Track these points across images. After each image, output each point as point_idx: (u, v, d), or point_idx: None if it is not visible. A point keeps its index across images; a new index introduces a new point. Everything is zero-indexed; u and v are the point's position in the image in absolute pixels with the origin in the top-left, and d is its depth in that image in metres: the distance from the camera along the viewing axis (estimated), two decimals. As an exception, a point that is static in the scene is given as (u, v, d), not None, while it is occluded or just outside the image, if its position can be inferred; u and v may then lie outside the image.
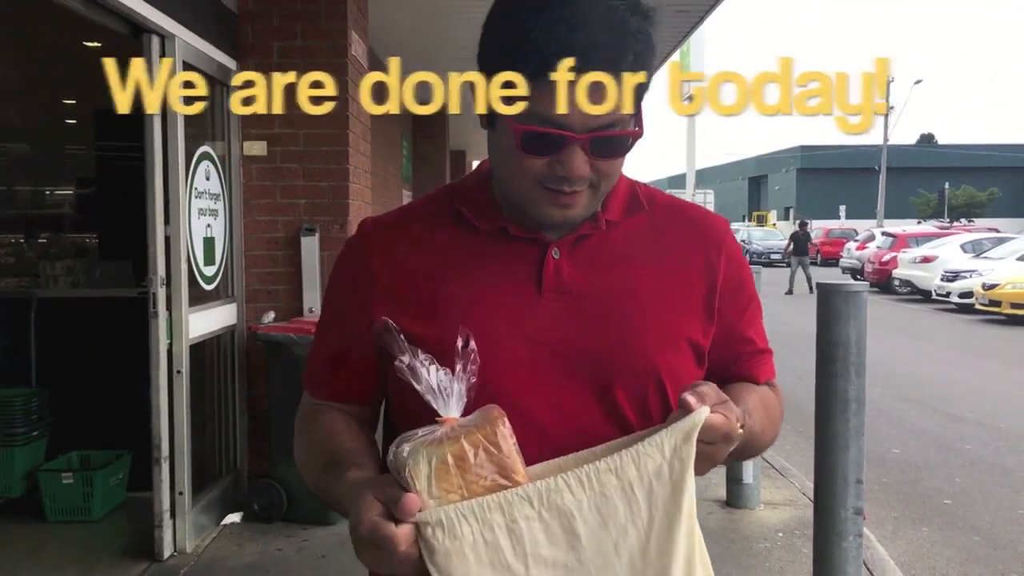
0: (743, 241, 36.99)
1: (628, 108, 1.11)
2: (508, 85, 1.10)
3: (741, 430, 1.09)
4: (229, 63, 4.96)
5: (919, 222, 46.32)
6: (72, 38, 6.63)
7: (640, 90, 1.14)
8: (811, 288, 21.41)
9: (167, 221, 4.25)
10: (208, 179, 4.70)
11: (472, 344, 1.07)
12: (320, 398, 1.32)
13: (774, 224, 51.67)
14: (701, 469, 1.05)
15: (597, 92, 1.08)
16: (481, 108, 1.18)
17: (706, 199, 38.20)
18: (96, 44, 6.85)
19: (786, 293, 22.07)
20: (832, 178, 61.62)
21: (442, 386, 1.04)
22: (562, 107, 1.08)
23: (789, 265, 23.51)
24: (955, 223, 44.82)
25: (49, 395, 5.18)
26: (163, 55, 4.15)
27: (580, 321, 1.20)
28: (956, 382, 10.12)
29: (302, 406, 1.36)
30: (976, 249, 21.05)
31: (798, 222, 24.54)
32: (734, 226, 40.63)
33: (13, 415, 4.92)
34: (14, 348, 5.30)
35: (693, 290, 1.27)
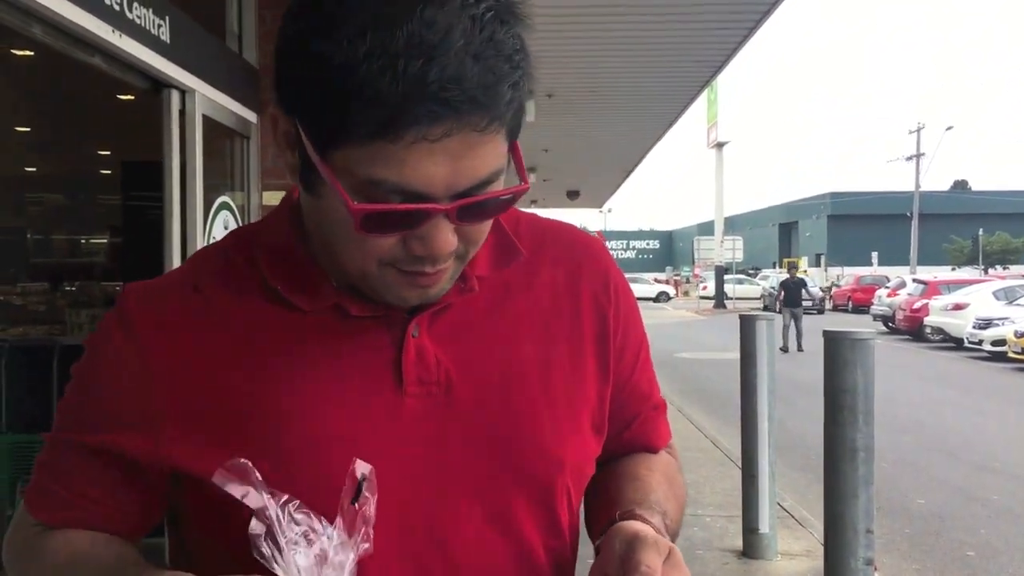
0: (772, 289, 36.74)
1: (502, 159, 0.84)
2: (331, 142, 0.79)
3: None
4: (250, 116, 5.10)
5: (953, 269, 45.82)
6: (106, 91, 6.83)
7: (515, 129, 0.84)
8: (799, 345, 18.49)
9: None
10: (226, 228, 4.81)
11: (366, 490, 0.80)
12: (46, 520, 0.96)
13: (805, 271, 51.27)
14: None
15: (467, 146, 0.78)
16: (288, 159, 0.87)
17: (735, 245, 38.15)
18: (129, 97, 7.07)
19: (780, 349, 18.58)
20: (864, 225, 61.31)
21: (329, 561, 0.77)
22: (422, 178, 0.78)
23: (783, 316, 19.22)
24: (990, 270, 44.27)
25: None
26: (183, 109, 4.28)
27: (457, 423, 0.92)
28: (985, 431, 9.94)
29: (17, 533, 0.99)
30: (1009, 296, 20.76)
31: (788, 265, 21.61)
32: (764, 272, 40.31)
33: (33, 460, 5.00)
34: (35, 395, 5.40)
35: (584, 345, 1.01)
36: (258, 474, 0.77)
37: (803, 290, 19.63)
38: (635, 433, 1.09)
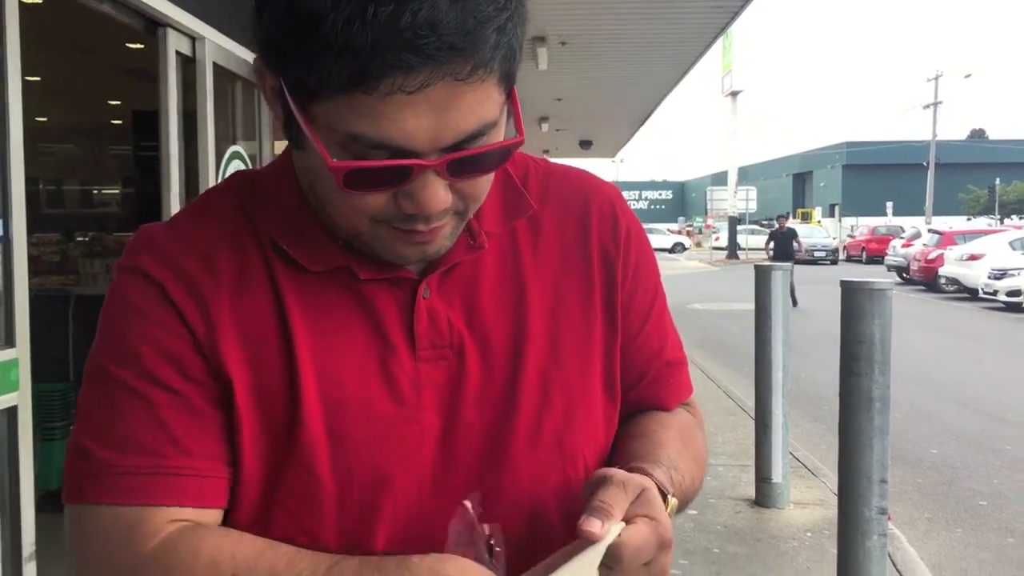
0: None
1: (495, 109, 0.79)
2: (311, 96, 0.75)
3: (674, 501, 0.89)
4: (261, 64, 5.05)
5: (968, 219, 45.47)
6: (117, 39, 6.76)
7: (509, 77, 0.79)
8: (793, 301, 16.39)
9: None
10: (239, 178, 4.79)
11: (500, 548, 0.80)
12: (179, 503, 0.82)
13: (819, 221, 51.02)
14: None
15: (450, 97, 0.74)
16: (277, 112, 0.84)
17: (748, 196, 37.90)
18: (139, 45, 7.00)
19: None
20: (879, 174, 60.71)
21: None
22: (402, 132, 0.74)
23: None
24: (1006, 220, 43.90)
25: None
26: (194, 57, 4.24)
27: (469, 386, 0.90)
28: (999, 382, 9.92)
29: (131, 540, 0.81)
30: (1025, 246, 20.61)
31: (777, 217, 19.03)
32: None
33: (52, 409, 5.05)
34: (53, 344, 5.44)
35: (593, 298, 0.97)
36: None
37: (794, 241, 17.59)
38: (643, 392, 1.04)
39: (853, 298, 3.60)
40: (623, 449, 0.98)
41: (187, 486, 0.82)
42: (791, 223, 22.17)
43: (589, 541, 0.76)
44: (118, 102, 9.77)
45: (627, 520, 0.78)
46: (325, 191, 0.83)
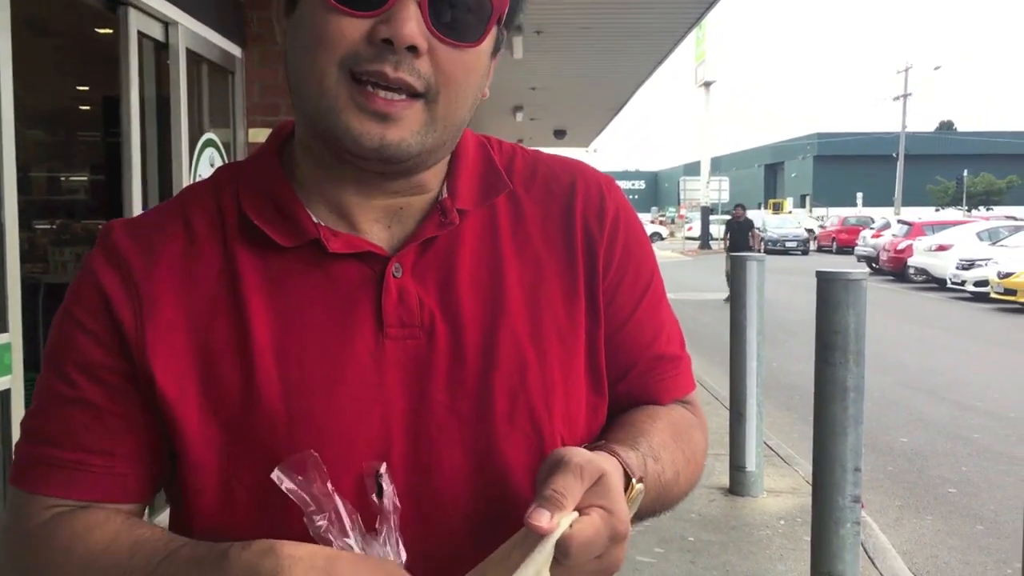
0: (758, 229, 36.78)
1: None
2: None
3: (640, 486, 0.84)
4: (234, 50, 4.99)
5: (937, 210, 46.02)
6: (87, 25, 6.66)
7: None
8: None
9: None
10: (212, 165, 4.73)
11: (387, 485, 0.79)
12: (61, 495, 0.86)
13: (790, 211, 51.42)
14: None
15: None
16: (280, 25, 0.90)
17: (721, 186, 38.09)
18: (108, 31, 6.90)
19: (725, 300, 14.49)
20: (849, 165, 61.35)
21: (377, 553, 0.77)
22: None
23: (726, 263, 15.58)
24: (973, 211, 44.50)
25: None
26: (167, 42, 4.18)
27: (440, 367, 0.87)
28: (967, 371, 10.06)
29: (19, 520, 0.87)
30: (992, 237, 20.89)
31: (734, 207, 17.78)
32: (751, 214, 40.42)
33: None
34: (23, 334, 5.37)
35: (577, 284, 0.94)
36: (323, 467, 0.77)
37: (749, 232, 16.55)
38: (632, 384, 0.99)
39: (828, 288, 3.63)
40: (605, 438, 0.93)
41: (77, 479, 0.86)
42: (760, 212, 21.64)
43: (536, 542, 0.71)
44: (86, 88, 9.64)
45: (580, 509, 0.74)
46: (306, 48, 0.84)
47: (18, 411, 2.89)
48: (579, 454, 0.77)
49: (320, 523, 0.76)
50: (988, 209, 48.11)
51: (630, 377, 0.99)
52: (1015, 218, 29.79)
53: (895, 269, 22.92)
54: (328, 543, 0.75)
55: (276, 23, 0.91)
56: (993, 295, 16.80)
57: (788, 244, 35.17)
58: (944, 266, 19.91)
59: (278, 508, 0.82)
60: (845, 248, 34.22)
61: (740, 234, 16.61)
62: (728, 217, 17.49)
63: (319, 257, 0.88)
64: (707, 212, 38.44)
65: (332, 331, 0.87)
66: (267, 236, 0.88)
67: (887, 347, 10.80)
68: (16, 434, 2.87)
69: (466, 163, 0.95)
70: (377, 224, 0.91)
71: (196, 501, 0.87)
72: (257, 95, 5.13)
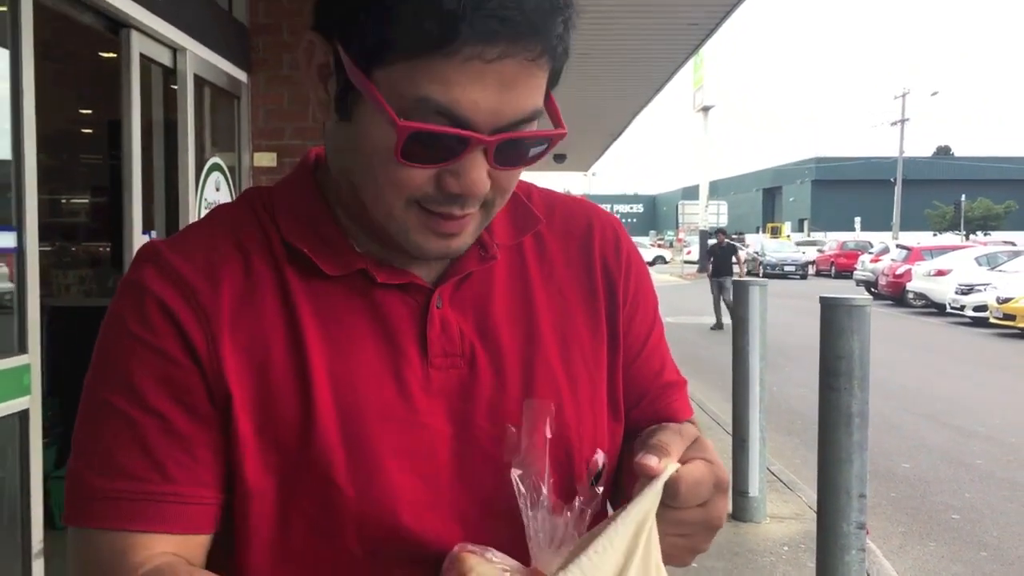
0: (757, 253, 36.89)
1: (541, 101, 0.82)
2: (379, 57, 0.78)
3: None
4: (240, 75, 5.02)
5: (934, 234, 46.14)
6: (92, 49, 6.71)
7: (556, 74, 0.84)
8: (719, 324, 15.67)
9: (174, 231, 4.29)
10: (218, 189, 4.76)
11: (601, 478, 0.84)
12: (161, 530, 0.82)
13: (788, 236, 51.57)
14: (703, 542, 0.84)
15: (517, 74, 0.77)
16: (318, 95, 0.85)
17: (720, 210, 38.21)
18: (112, 55, 6.95)
19: (712, 328, 16.14)
20: (847, 190, 61.55)
21: (555, 530, 0.81)
22: (470, 102, 0.76)
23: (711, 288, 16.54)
24: (971, 236, 44.62)
25: (59, 404, 5.22)
26: (175, 68, 4.21)
27: (481, 394, 0.90)
28: (968, 396, 10.06)
29: (122, 564, 0.82)
30: (991, 262, 20.94)
31: (716, 232, 17.59)
32: (749, 238, 40.58)
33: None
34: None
35: (599, 316, 0.99)
36: (551, 425, 0.83)
37: (733, 257, 16.35)
38: (645, 410, 1.03)
39: (832, 314, 3.64)
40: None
41: (169, 512, 0.83)
42: (758, 236, 21.69)
43: (645, 482, 0.77)
44: (89, 111, 9.68)
45: (683, 461, 0.80)
46: (368, 166, 0.83)
47: (36, 430, 2.93)
48: (671, 424, 0.84)
49: (519, 472, 0.81)
50: (986, 234, 48.24)
51: (643, 404, 1.04)
52: (1013, 243, 29.89)
53: (894, 294, 22.95)
54: (520, 492, 0.80)
55: (314, 94, 0.87)
56: (992, 320, 16.82)
57: (787, 268, 35.23)
58: (943, 291, 19.92)
59: (335, 534, 0.84)
60: (844, 272, 34.26)
61: (723, 259, 16.47)
62: (713, 241, 17.46)
63: (365, 286, 0.89)
64: (706, 236, 38.51)
65: (381, 359, 0.88)
66: (313, 263, 0.88)
67: (887, 372, 10.80)
68: (33, 452, 2.95)
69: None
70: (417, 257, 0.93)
71: (252, 527, 0.86)
72: (262, 120, 5.16)
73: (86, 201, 12.73)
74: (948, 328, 17.86)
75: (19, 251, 2.80)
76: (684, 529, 0.81)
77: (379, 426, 0.86)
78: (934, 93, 50.29)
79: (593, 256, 1.00)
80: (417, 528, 0.86)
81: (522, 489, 0.81)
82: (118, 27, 3.82)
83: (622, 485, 1.00)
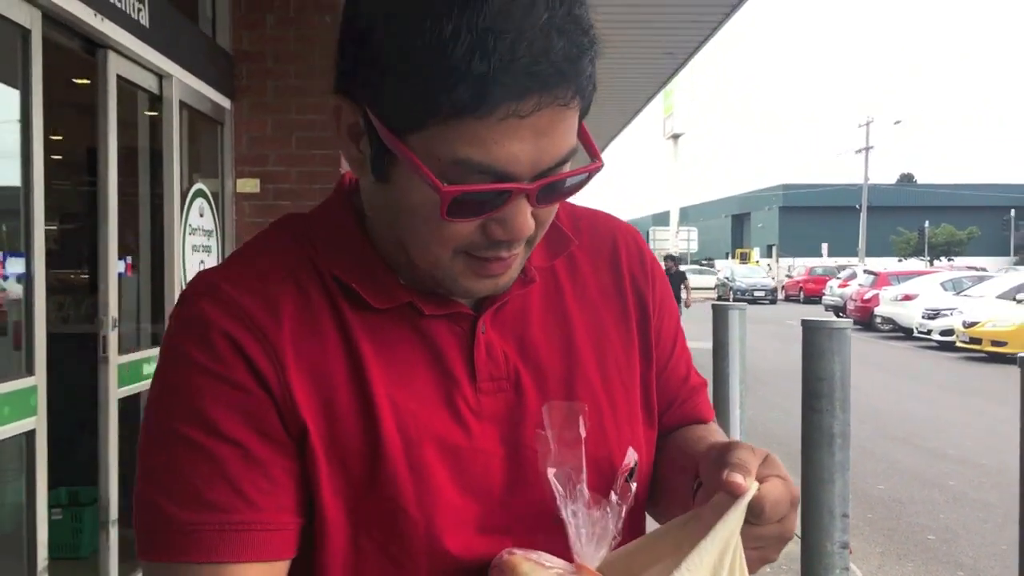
0: (727, 279, 37.21)
1: (575, 137, 0.83)
2: (413, 125, 0.78)
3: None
4: (224, 102, 5.05)
5: (899, 260, 46.83)
6: (61, 75, 6.69)
7: (587, 108, 0.84)
8: None
9: (161, 259, 4.29)
10: (202, 216, 4.76)
11: (635, 475, 0.89)
12: (225, 559, 0.82)
13: (757, 261, 52.10)
14: (774, 553, 0.87)
15: (552, 122, 0.78)
16: (351, 153, 0.86)
17: (690, 236, 38.55)
18: (85, 81, 6.94)
19: None
20: (814, 216, 62.39)
21: (594, 525, 0.85)
22: (508, 156, 0.77)
23: None
24: (935, 261, 45.33)
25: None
26: (161, 94, 4.23)
27: (527, 416, 0.92)
28: (938, 419, 10.20)
29: None
30: (956, 287, 21.30)
31: (665, 258, 17.33)
32: (718, 264, 40.87)
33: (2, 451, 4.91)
34: (4, 383, 5.30)
35: (630, 329, 1.02)
36: (584, 423, 0.86)
37: (682, 285, 16.01)
38: (675, 414, 1.08)
39: (814, 337, 3.71)
40: (689, 450, 1.00)
41: (253, 540, 0.82)
42: (728, 262, 21.31)
43: (726, 499, 0.80)
44: (59, 137, 9.62)
45: (759, 479, 0.82)
46: (410, 222, 0.84)
47: (42, 449, 3.04)
48: (741, 442, 0.86)
49: (556, 467, 0.84)
50: (950, 260, 49.04)
51: (673, 408, 1.08)
52: (976, 268, 30.41)
53: (862, 318, 23.24)
54: (558, 491, 0.83)
55: (348, 156, 0.87)
56: (959, 344, 17.08)
57: (756, 293, 35.56)
58: (910, 315, 20.22)
59: (405, 560, 0.87)
60: (812, 297, 34.67)
61: (672, 288, 15.69)
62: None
63: (412, 317, 0.90)
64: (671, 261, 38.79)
65: (435, 387, 0.90)
66: (360, 297, 0.89)
67: (860, 395, 10.86)
68: (39, 471, 2.96)
69: None
70: None
71: (329, 553, 0.87)
72: (245, 146, 5.18)
73: (54, 228, 12.63)
74: (916, 352, 18.12)
75: (27, 277, 2.88)
76: (760, 543, 0.84)
77: (439, 452, 0.88)
78: (897, 122, 51.43)
79: (621, 270, 1.03)
80: (475, 548, 0.88)
81: (559, 487, 0.84)
82: (95, 48, 3.74)
83: (657, 488, 1.04)
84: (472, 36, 0.73)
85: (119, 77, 3.80)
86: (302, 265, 0.90)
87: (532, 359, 0.94)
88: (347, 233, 0.92)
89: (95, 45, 3.73)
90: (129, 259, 4.12)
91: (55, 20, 3.25)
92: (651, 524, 0.98)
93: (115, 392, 3.81)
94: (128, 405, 4.03)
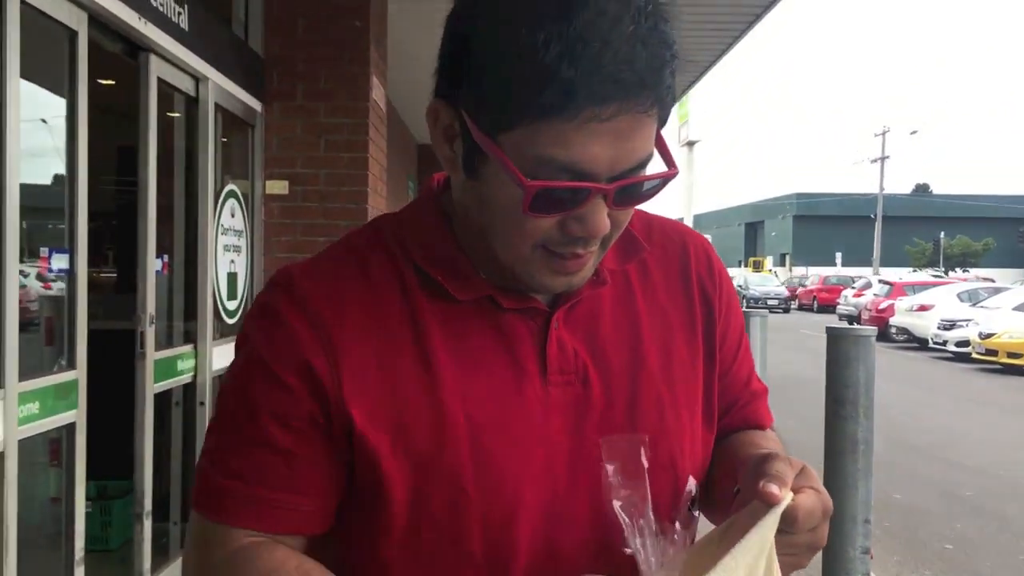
0: (739, 287, 37.15)
1: (653, 144, 0.88)
2: (504, 124, 0.84)
3: None
4: (255, 104, 5.12)
5: (913, 271, 46.64)
6: (92, 75, 6.77)
7: (665, 118, 0.89)
8: None
9: (195, 258, 4.36)
10: (233, 216, 4.84)
11: (696, 504, 0.95)
12: (253, 527, 0.94)
13: (770, 270, 52.02)
14: (806, 560, 0.92)
15: (631, 127, 0.83)
16: (444, 152, 0.93)
17: (704, 244, 38.46)
18: (110, 82, 7.02)
19: None
20: (828, 225, 62.16)
21: (663, 552, 0.89)
22: (589, 156, 0.83)
23: None
24: (950, 272, 45.14)
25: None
26: (197, 97, 4.31)
27: (593, 410, 0.98)
28: (955, 430, 10.20)
29: (212, 546, 0.95)
30: (972, 298, 21.21)
31: None
32: (731, 272, 40.87)
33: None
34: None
35: (696, 332, 1.07)
36: (646, 452, 0.91)
37: None
38: (734, 417, 1.13)
39: (839, 344, 3.76)
40: (737, 456, 1.06)
41: (267, 514, 0.94)
42: (741, 270, 21.36)
43: (762, 507, 0.84)
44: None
45: (794, 490, 0.87)
46: (496, 217, 0.90)
47: (81, 443, 3.08)
48: (779, 452, 0.91)
49: (621, 499, 0.88)
50: (965, 271, 48.81)
51: (733, 411, 1.13)
52: (992, 280, 30.27)
53: (877, 328, 23.15)
54: (625, 522, 0.88)
55: (442, 154, 0.95)
56: (975, 355, 17.03)
57: (770, 302, 35.50)
58: (926, 326, 20.14)
59: (461, 538, 0.92)
60: (826, 307, 34.56)
61: None
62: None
63: (491, 310, 0.97)
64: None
65: (505, 376, 0.95)
66: (444, 288, 0.95)
67: (876, 405, 10.86)
68: (79, 462, 3.03)
69: None
70: None
71: (382, 528, 0.94)
72: (275, 148, 5.25)
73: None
74: (931, 363, 18.07)
75: (70, 272, 2.91)
76: (793, 550, 0.89)
77: (503, 439, 0.93)
78: (913, 132, 51.06)
79: (690, 277, 1.08)
80: (534, 532, 0.94)
81: (625, 518, 0.88)
82: (137, 50, 3.83)
83: (713, 489, 1.08)
84: (562, 44, 0.79)
85: (159, 79, 3.87)
86: (380, 259, 0.98)
87: (600, 356, 0.99)
88: (434, 229, 1.00)
89: (137, 48, 3.81)
90: (166, 258, 4.19)
91: (100, 22, 3.32)
92: (703, 523, 1.02)
93: (151, 387, 3.89)
94: (162, 400, 4.10)
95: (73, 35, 3.11)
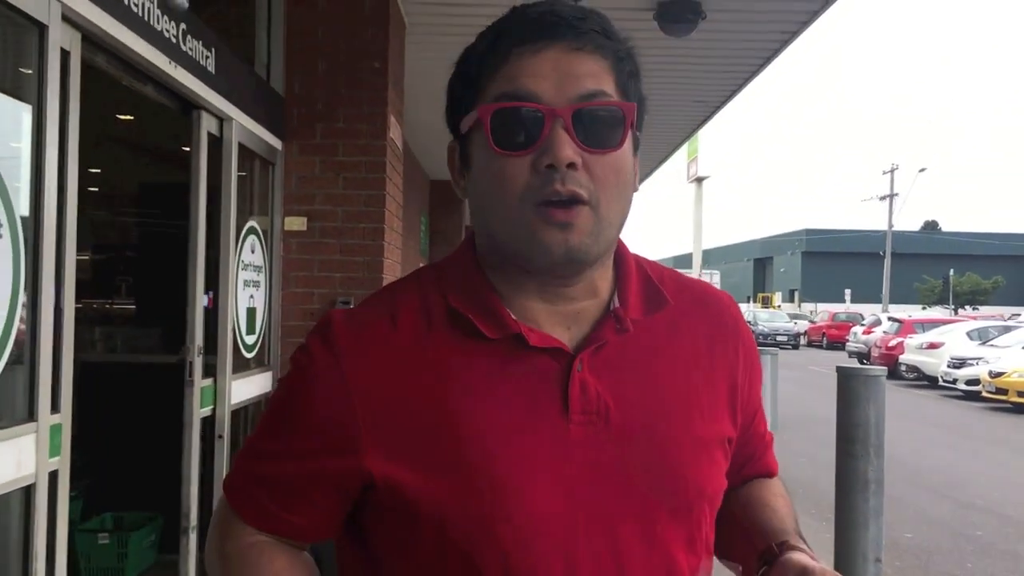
0: (749, 323, 37.01)
1: (609, 87, 1.02)
2: (469, 101, 1.05)
3: None
4: (275, 143, 5.24)
5: (923, 308, 46.51)
6: (107, 110, 6.91)
7: (624, 83, 1.04)
8: None
9: (215, 291, 4.45)
10: (253, 252, 4.93)
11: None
12: (260, 528, 1.09)
13: (779, 306, 51.96)
14: None
15: (566, 57, 1.00)
16: (457, 179, 1.11)
17: (712, 279, 38.53)
18: (128, 117, 7.17)
19: None
20: (837, 262, 62.12)
21: None
22: (531, 79, 1.00)
23: None
24: (960, 310, 44.97)
25: (85, 456, 5.29)
26: (220, 136, 4.42)
27: (614, 449, 1.03)
28: (965, 469, 10.17)
29: (228, 534, 1.11)
30: (982, 336, 21.15)
31: None
32: (741, 308, 40.80)
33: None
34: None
35: (717, 391, 1.13)
36: None
37: None
38: (751, 468, 1.25)
39: (849, 384, 3.81)
40: (755, 518, 1.18)
41: (277, 525, 1.09)
42: (749, 306, 21.58)
43: None
44: (98, 170, 9.85)
45: None
46: (484, 188, 1.03)
47: (64, 490, 2.85)
48: (814, 563, 1.03)
49: None
50: (975, 309, 48.66)
51: (752, 462, 1.25)
52: (1003, 317, 30.17)
53: (886, 366, 23.04)
54: None
55: (455, 184, 1.11)
56: (985, 394, 16.96)
57: (779, 338, 35.44)
58: (936, 364, 20.05)
59: (485, 567, 0.98)
60: (835, 343, 34.47)
61: None
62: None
63: (518, 349, 1.03)
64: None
65: (528, 413, 1.01)
66: (474, 326, 1.03)
67: (886, 443, 10.91)
68: (62, 511, 2.83)
69: (629, 276, 1.12)
70: (559, 326, 1.07)
71: (407, 562, 1.02)
72: (294, 185, 5.36)
73: (86, 257, 12.85)
74: (941, 401, 18.00)
75: (56, 309, 2.75)
76: None
77: (525, 474, 0.99)
78: (922, 169, 51.06)
79: (715, 343, 1.15)
80: (554, 559, 0.99)
81: None
82: (189, 108, 4.14)
83: (718, 538, 1.15)
84: (497, 23, 1.04)
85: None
86: (411, 302, 1.07)
87: (622, 399, 1.04)
88: (468, 271, 1.09)
89: (191, 105, 4.09)
90: (211, 293, 4.36)
91: (131, 65, 3.43)
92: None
93: (198, 412, 4.17)
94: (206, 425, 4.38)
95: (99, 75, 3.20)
